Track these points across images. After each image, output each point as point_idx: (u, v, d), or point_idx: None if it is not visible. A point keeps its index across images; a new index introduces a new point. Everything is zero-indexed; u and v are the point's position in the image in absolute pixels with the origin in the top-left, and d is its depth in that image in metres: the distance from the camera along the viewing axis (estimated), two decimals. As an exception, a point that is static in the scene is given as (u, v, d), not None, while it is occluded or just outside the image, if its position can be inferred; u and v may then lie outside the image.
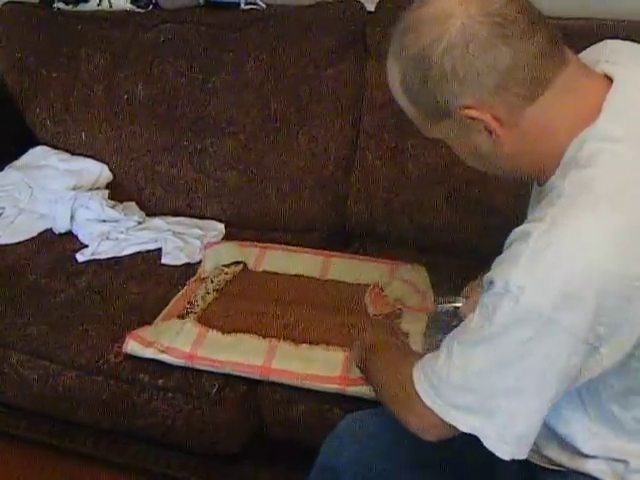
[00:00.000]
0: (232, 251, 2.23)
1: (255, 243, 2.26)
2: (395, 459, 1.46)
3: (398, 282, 2.04)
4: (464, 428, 1.17)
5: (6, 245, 2.34)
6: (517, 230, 1.13)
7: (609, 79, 1.17)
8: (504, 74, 1.11)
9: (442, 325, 1.69)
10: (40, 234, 2.40)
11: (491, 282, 1.12)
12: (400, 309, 1.94)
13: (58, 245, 2.34)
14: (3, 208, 2.45)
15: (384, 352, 1.52)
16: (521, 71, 1.11)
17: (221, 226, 2.42)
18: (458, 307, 1.67)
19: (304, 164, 2.34)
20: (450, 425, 1.18)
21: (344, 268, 2.15)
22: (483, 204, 2.13)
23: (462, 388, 1.17)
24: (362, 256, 2.21)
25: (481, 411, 1.15)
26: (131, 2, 2.59)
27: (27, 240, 2.36)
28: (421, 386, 1.22)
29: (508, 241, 1.14)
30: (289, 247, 2.24)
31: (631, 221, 1.06)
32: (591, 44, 1.32)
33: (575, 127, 1.14)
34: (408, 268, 2.11)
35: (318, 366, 1.75)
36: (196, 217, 2.47)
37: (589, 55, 1.26)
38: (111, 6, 2.61)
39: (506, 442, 1.14)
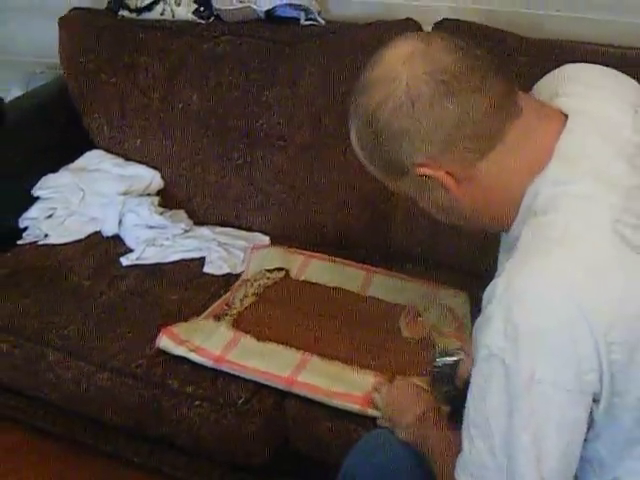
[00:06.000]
0: (277, 256, 2.25)
1: (301, 251, 2.27)
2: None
3: (436, 307, 2.03)
4: None
5: (54, 245, 2.38)
6: (488, 289, 1.10)
7: (565, 115, 1.16)
8: (452, 131, 1.12)
9: (445, 377, 1.67)
10: (88, 236, 2.43)
11: (476, 350, 1.10)
12: (433, 336, 1.93)
13: (104, 248, 2.38)
14: (55, 209, 2.49)
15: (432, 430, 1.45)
16: (469, 127, 1.12)
17: (266, 239, 2.43)
18: (457, 360, 1.65)
19: (351, 181, 2.33)
20: None
21: (384, 286, 2.14)
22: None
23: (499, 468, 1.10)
24: (404, 275, 2.19)
25: None
26: (193, 13, 2.61)
27: (75, 241, 2.40)
28: None
29: (484, 302, 1.11)
30: (334, 258, 2.24)
31: (584, 263, 1.04)
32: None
33: (530, 174, 1.13)
34: (449, 293, 2.09)
35: (344, 385, 1.74)
36: (242, 228, 2.48)
37: (547, 85, 1.26)
38: (174, 16, 2.64)
39: None
